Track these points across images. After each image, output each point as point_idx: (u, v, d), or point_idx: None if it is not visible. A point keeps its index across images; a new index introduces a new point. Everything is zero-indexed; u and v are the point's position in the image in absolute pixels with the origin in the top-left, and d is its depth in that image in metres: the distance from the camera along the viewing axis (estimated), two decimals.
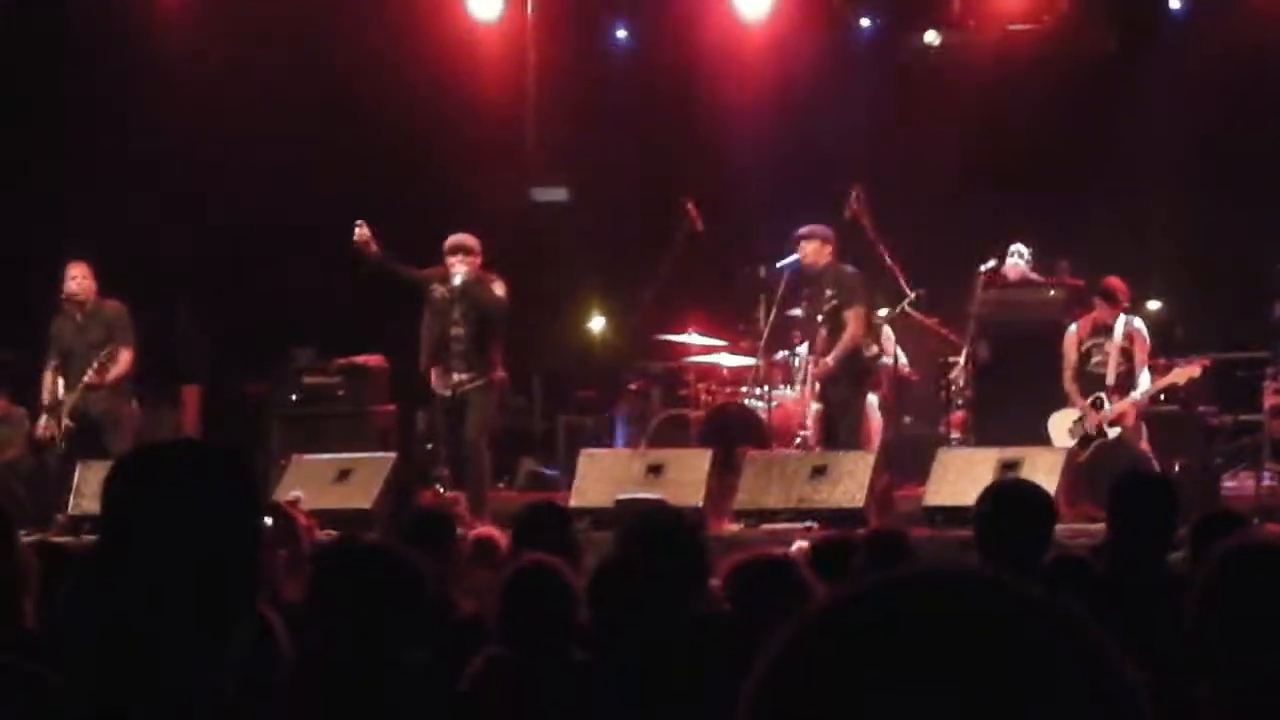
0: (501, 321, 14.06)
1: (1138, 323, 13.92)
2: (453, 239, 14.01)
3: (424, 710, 4.73)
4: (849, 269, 14.30)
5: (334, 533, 12.28)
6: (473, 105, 18.11)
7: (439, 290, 13.96)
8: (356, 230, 14.00)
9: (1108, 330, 13.81)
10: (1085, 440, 13.63)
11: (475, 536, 8.36)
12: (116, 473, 2.55)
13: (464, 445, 13.90)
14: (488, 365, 14.01)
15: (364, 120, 17.51)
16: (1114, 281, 13.96)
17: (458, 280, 13.86)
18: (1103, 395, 13.73)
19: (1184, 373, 13.83)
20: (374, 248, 14.02)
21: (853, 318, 14.10)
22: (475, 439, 13.91)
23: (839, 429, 14.12)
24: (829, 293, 14.10)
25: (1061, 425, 13.85)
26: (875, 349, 14.50)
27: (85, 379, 14.27)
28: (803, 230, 14.24)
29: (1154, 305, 16.73)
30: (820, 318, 14.16)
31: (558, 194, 18.85)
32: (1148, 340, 13.88)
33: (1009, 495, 5.99)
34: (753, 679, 1.30)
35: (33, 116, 17.17)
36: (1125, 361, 13.77)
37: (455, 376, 13.94)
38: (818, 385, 14.24)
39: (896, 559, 6.02)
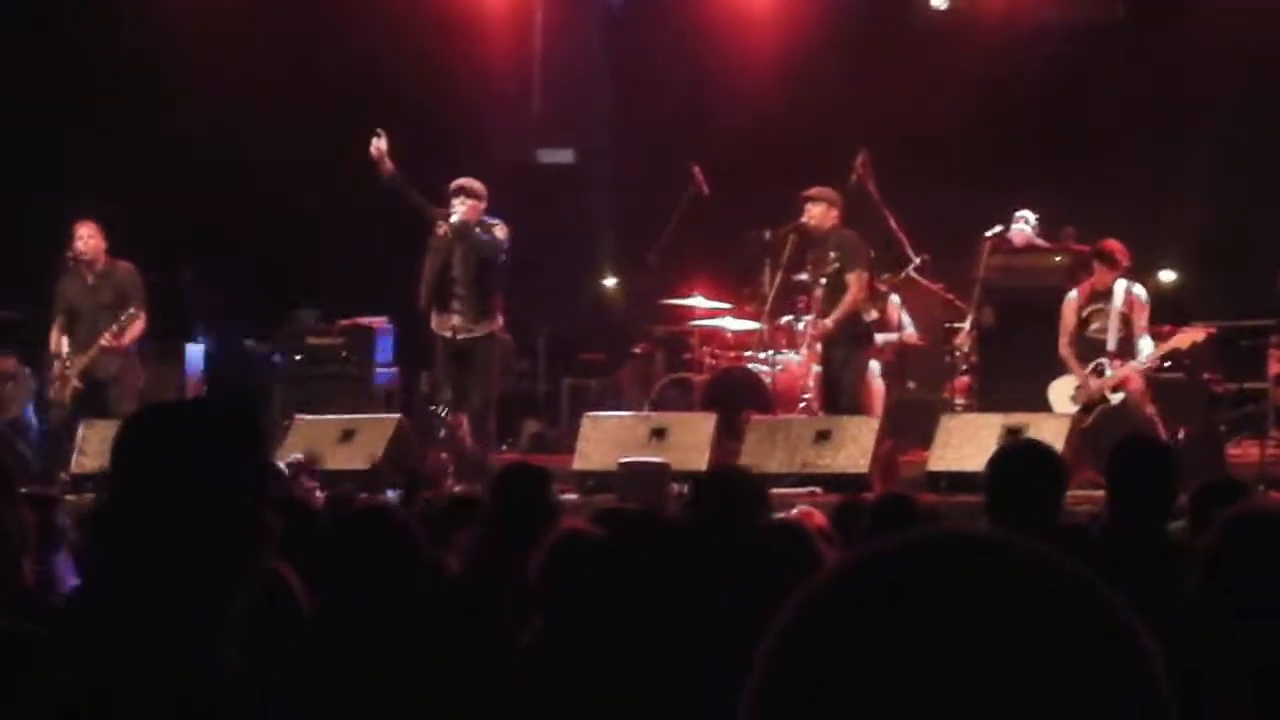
0: (501, 265, 14.04)
1: (1137, 288, 13.86)
2: (458, 180, 14.03)
3: (429, 672, 4.72)
4: (852, 233, 14.27)
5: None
6: (479, 66, 18.08)
7: (441, 228, 13.97)
8: (374, 141, 13.99)
9: (1107, 295, 13.76)
10: (1088, 407, 13.60)
11: (455, 494, 8.33)
12: (125, 431, 2.54)
13: (467, 406, 13.90)
14: (489, 312, 14.01)
15: (371, 80, 17.46)
16: (1112, 244, 13.91)
17: (455, 218, 13.85)
18: (1104, 361, 13.69)
19: (1187, 336, 13.78)
20: (388, 164, 14.02)
21: (854, 281, 14.08)
22: (481, 405, 13.91)
23: (838, 392, 14.11)
24: (832, 255, 14.08)
25: (1062, 393, 13.82)
26: (875, 314, 14.45)
27: (103, 342, 14.24)
28: (810, 191, 14.21)
29: (1167, 275, 16.71)
30: (823, 280, 14.15)
31: (564, 156, 18.82)
32: (1147, 305, 13.83)
33: (1021, 457, 5.90)
34: (763, 647, 1.29)
35: (33, 72, 17.14)
36: (1125, 327, 13.72)
37: (455, 319, 13.95)
38: (819, 347, 14.23)
39: (905, 523, 5.99)
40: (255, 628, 2.50)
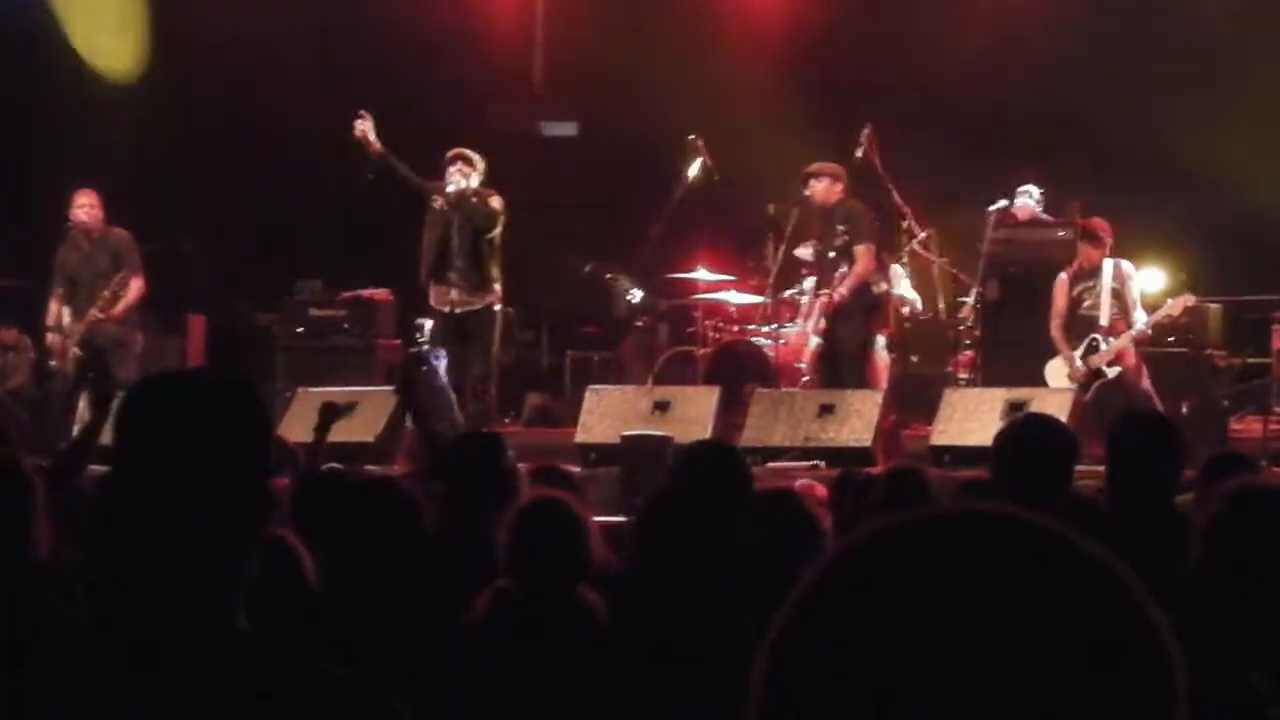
0: (498, 237, 14.04)
1: (1125, 264, 13.88)
2: (456, 149, 14.02)
3: (427, 640, 4.72)
4: (859, 205, 14.26)
5: (338, 466, 12.33)
6: (482, 39, 18.04)
7: (438, 201, 13.99)
8: (356, 123, 13.95)
9: (1096, 272, 13.78)
10: (1085, 385, 13.60)
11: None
12: (129, 401, 2.53)
13: (467, 378, 13.90)
14: (486, 284, 14.01)
15: (373, 53, 17.43)
16: (1097, 222, 13.95)
17: (452, 188, 13.83)
18: (1097, 336, 13.69)
19: (1177, 304, 13.77)
20: (375, 144, 13.99)
21: (863, 253, 14.08)
22: (481, 377, 13.91)
23: (844, 365, 14.09)
24: (840, 228, 14.07)
25: (1059, 372, 13.83)
26: (884, 285, 14.44)
27: (95, 311, 14.24)
28: (812, 168, 14.20)
29: (1172, 250, 16.71)
30: (831, 254, 14.13)
31: (567, 128, 18.79)
32: (1137, 281, 13.86)
33: (1030, 431, 5.85)
34: (780, 616, 1.30)
35: (34, 40, 17.11)
36: (1117, 302, 13.73)
37: (453, 293, 13.94)
38: (822, 321, 14.21)
39: (916, 497, 5.98)
40: (262, 597, 2.49)
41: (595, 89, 17.82)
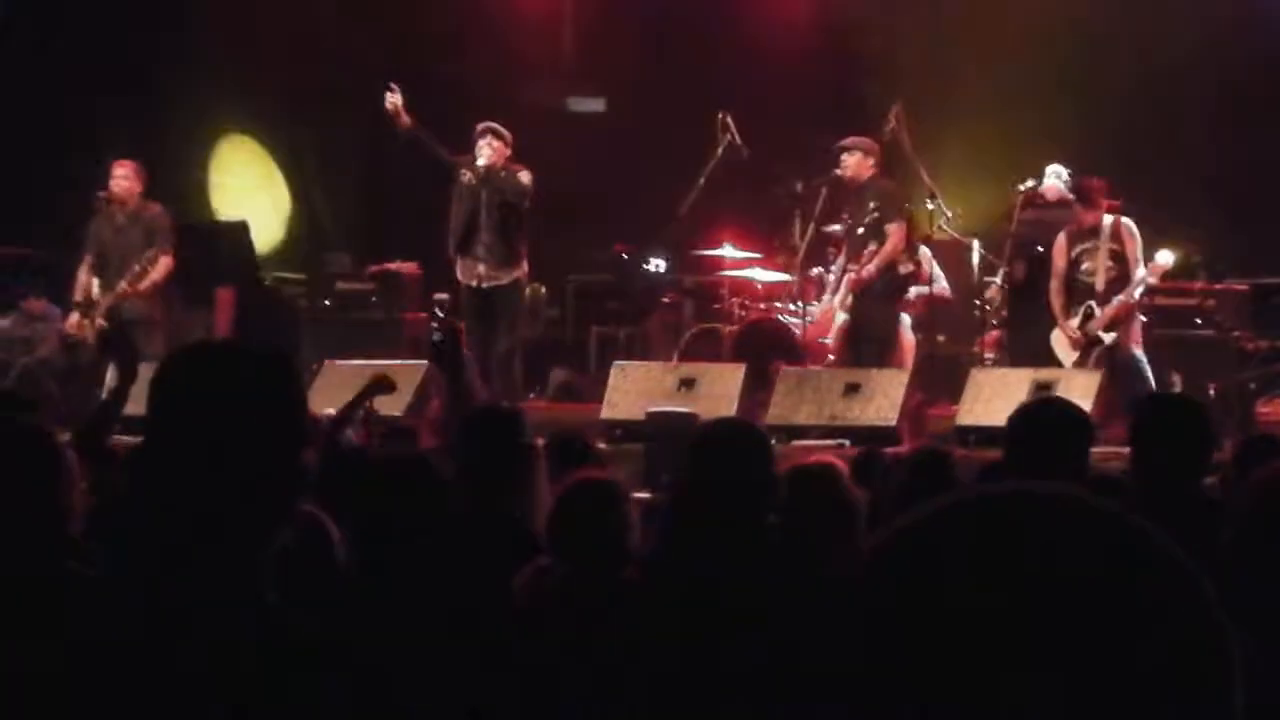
0: (526, 211, 14.06)
1: (1126, 222, 13.76)
2: (485, 123, 14.05)
3: (452, 617, 4.73)
4: (891, 183, 14.25)
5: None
6: (510, 14, 18.03)
7: (467, 175, 14.00)
8: (387, 96, 13.96)
9: (1095, 233, 13.71)
10: (1086, 351, 13.57)
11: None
12: (163, 372, 2.54)
13: (492, 354, 13.92)
14: (513, 259, 14.04)
15: (401, 28, 17.43)
16: (1091, 182, 13.88)
17: (481, 161, 13.84)
18: (1093, 304, 13.64)
19: (1157, 267, 13.69)
20: (405, 118, 14.00)
21: (893, 231, 14.06)
22: (506, 352, 13.93)
23: (869, 344, 14.08)
24: (871, 205, 14.04)
25: (1060, 341, 13.81)
26: (911, 265, 14.41)
27: (123, 285, 14.26)
28: (845, 142, 14.18)
29: (1195, 230, 16.65)
30: (861, 230, 14.11)
31: (595, 104, 18.77)
32: (1138, 238, 13.73)
33: (1044, 413, 5.82)
34: (856, 587, 1.31)
35: (63, 18, 17.13)
36: (1117, 264, 13.65)
37: (480, 268, 13.95)
38: (850, 297, 14.19)
39: (939, 478, 5.96)
40: (291, 571, 2.50)
41: (623, 65, 17.81)
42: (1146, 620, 1.26)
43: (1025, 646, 1.24)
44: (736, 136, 15.32)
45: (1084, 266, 13.72)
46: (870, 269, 14.03)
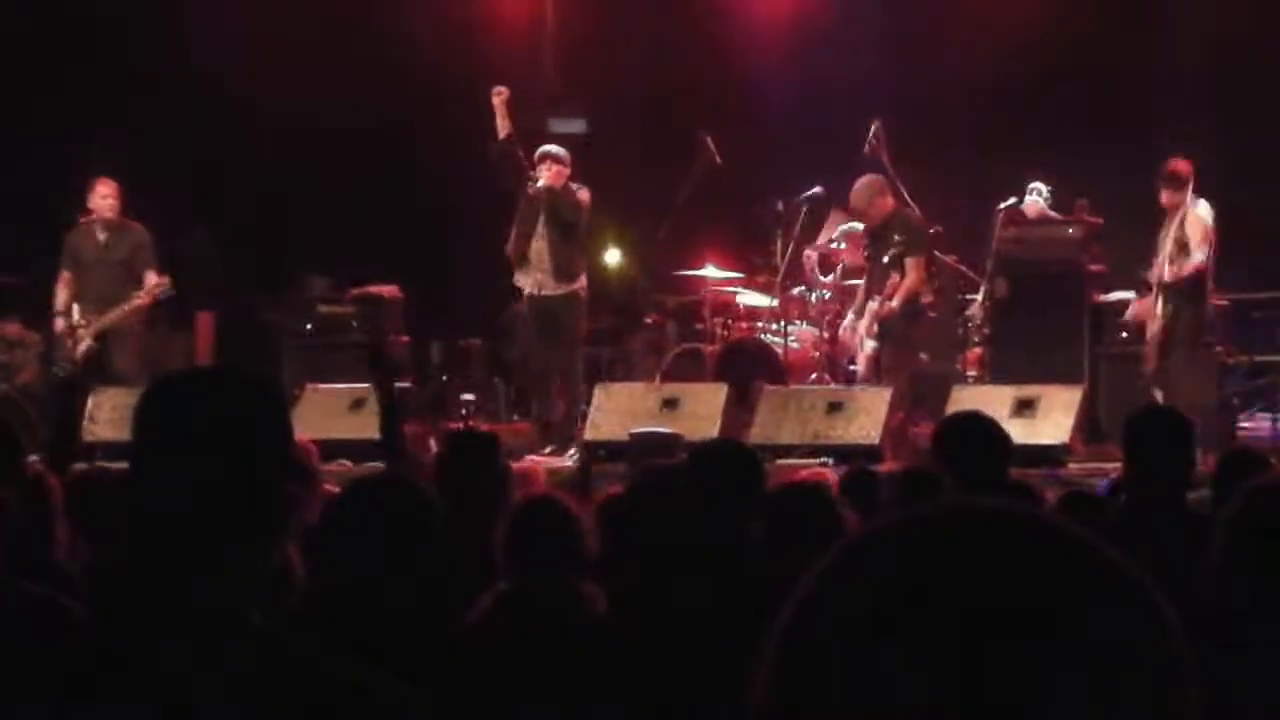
0: (584, 230, 14.29)
1: (1196, 207, 13.37)
2: (543, 148, 14.28)
3: (432, 644, 4.71)
4: (915, 215, 14.28)
5: (346, 463, 12.34)
6: (491, 34, 18.03)
7: (531, 189, 14.14)
8: (496, 92, 14.10)
9: (1171, 218, 13.48)
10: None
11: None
12: (149, 398, 2.52)
13: (553, 367, 14.12)
14: (572, 273, 14.20)
15: (382, 48, 17.44)
16: (1173, 163, 13.57)
17: (542, 183, 14.04)
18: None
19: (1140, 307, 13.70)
20: (506, 124, 14.16)
21: (913, 265, 14.07)
22: (568, 366, 14.04)
23: (888, 372, 14.08)
24: (896, 238, 14.05)
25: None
26: (930, 297, 14.42)
27: (124, 309, 14.25)
28: (855, 198, 14.15)
29: None
30: (885, 260, 14.12)
31: (575, 125, 18.78)
32: (1202, 223, 13.31)
33: (967, 426, 5.99)
34: (785, 611, 1.29)
35: (43, 36, 17.11)
36: (1180, 250, 13.35)
37: (537, 275, 14.16)
38: (876, 326, 14.19)
39: (928, 497, 5.98)
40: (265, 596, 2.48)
41: (604, 86, 17.82)
42: (1097, 639, 1.23)
43: (969, 669, 1.21)
44: (716, 156, 15.33)
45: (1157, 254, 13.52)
46: (895, 304, 14.02)
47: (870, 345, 14.24)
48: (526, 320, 14.49)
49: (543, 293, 14.18)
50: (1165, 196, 13.48)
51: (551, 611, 4.94)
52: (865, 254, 14.46)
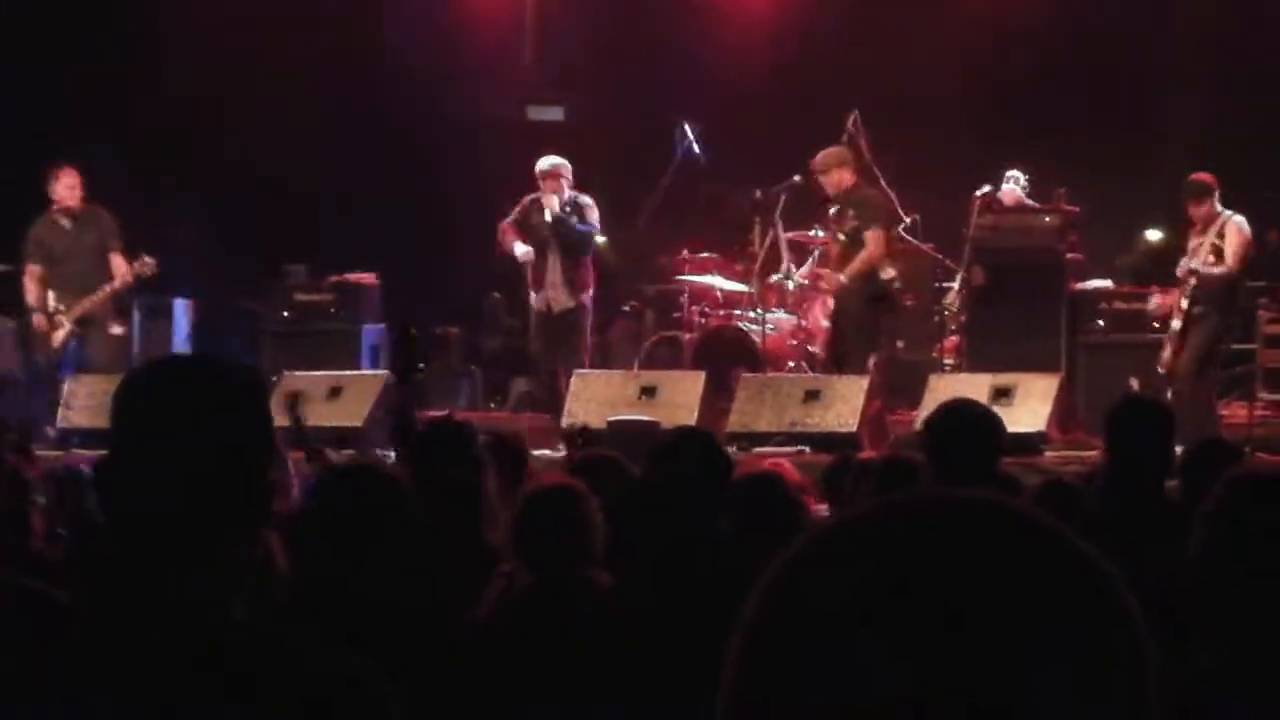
0: (593, 240, 14.40)
1: (1233, 219, 13.27)
2: (543, 164, 14.28)
3: (428, 633, 4.71)
4: (875, 191, 14.24)
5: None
6: (470, 22, 18.01)
7: (535, 218, 14.12)
8: (521, 251, 14.17)
9: (1202, 229, 13.40)
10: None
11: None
12: (128, 386, 2.52)
13: (563, 373, 14.15)
14: (581, 284, 14.28)
15: (360, 36, 17.41)
16: (1198, 176, 13.56)
17: (548, 217, 14.08)
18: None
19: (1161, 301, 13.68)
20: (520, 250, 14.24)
21: (871, 239, 13.95)
22: (578, 364, 14.13)
23: (849, 350, 14.05)
24: (852, 213, 13.99)
25: None
26: (892, 272, 14.31)
27: (100, 294, 14.24)
28: (817, 164, 14.04)
29: (1154, 235, 16.72)
30: (841, 237, 14.05)
31: (554, 113, 18.77)
32: (1239, 235, 13.17)
33: (957, 417, 5.88)
34: (752, 601, 1.29)
35: (29, 27, 17.07)
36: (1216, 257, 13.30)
37: (550, 293, 14.23)
38: (830, 302, 14.17)
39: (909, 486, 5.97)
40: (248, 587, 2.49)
41: (582, 74, 17.82)
42: (1070, 631, 1.24)
43: (934, 657, 1.22)
44: (695, 144, 15.33)
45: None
46: (839, 278, 13.95)
47: (826, 324, 14.22)
48: (536, 331, 14.56)
49: (554, 310, 14.30)
50: (1192, 208, 13.32)
51: (561, 598, 4.94)
52: (828, 232, 14.37)
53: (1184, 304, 13.23)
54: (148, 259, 14.37)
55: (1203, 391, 13.13)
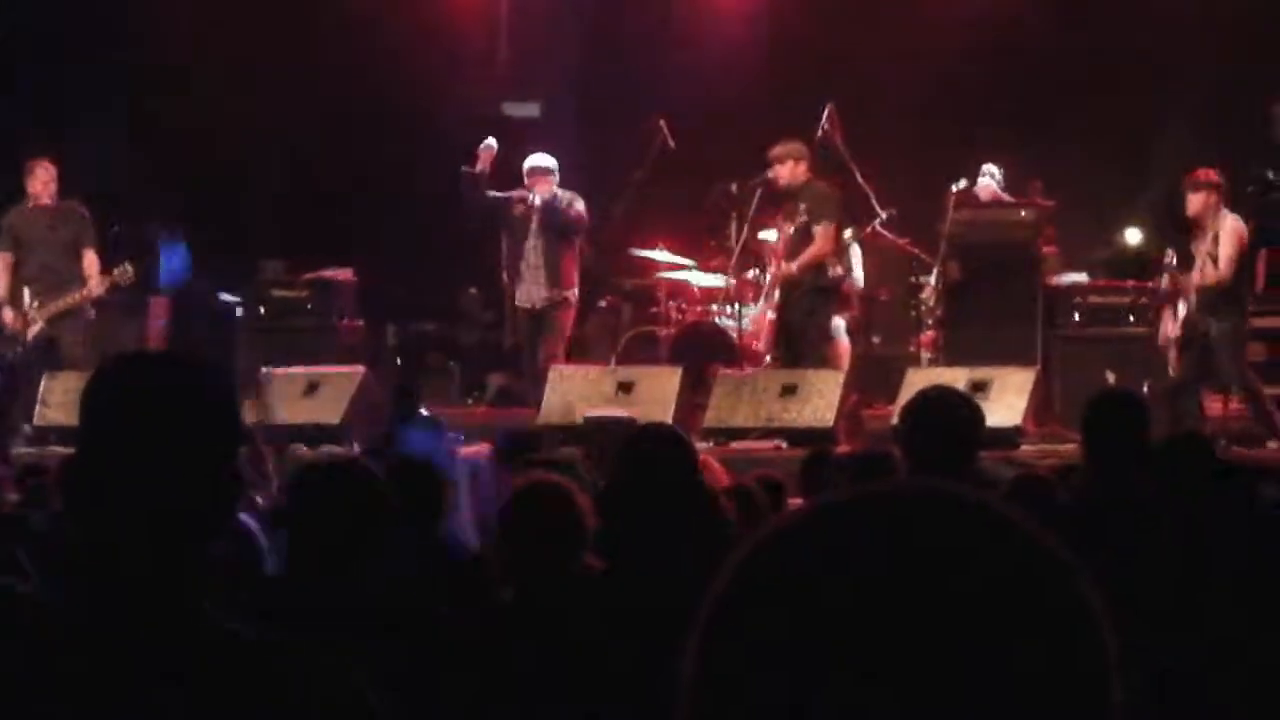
0: (578, 237, 14.38)
1: (1226, 221, 13.19)
2: (531, 161, 14.28)
3: (403, 629, 4.71)
4: (825, 185, 14.26)
5: (302, 448, 12.33)
6: (445, 18, 18.00)
7: (519, 208, 14.10)
8: (483, 152, 14.04)
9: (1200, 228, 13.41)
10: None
11: None
12: (96, 382, 2.52)
13: (538, 365, 14.09)
14: (564, 281, 14.24)
15: (335, 31, 17.38)
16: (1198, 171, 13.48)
17: (538, 200, 14.05)
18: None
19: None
20: (486, 172, 14.13)
21: (820, 233, 14.04)
22: (545, 362, 14.03)
23: (800, 345, 14.10)
24: (802, 207, 14.05)
25: None
26: (840, 269, 14.41)
27: (77, 295, 14.20)
28: (774, 152, 14.15)
29: (1134, 235, 16.77)
30: (791, 231, 14.11)
31: (530, 109, 18.76)
32: (1232, 235, 13.10)
33: (931, 405, 5.81)
34: (710, 593, 1.29)
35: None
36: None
37: (535, 291, 14.15)
38: (776, 295, 14.18)
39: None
40: (220, 580, 2.49)
41: (558, 70, 17.81)
42: (1020, 618, 1.23)
43: (892, 648, 1.22)
44: (670, 139, 15.33)
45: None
46: (791, 267, 14.01)
47: (772, 317, 14.21)
48: (515, 325, 14.52)
49: (535, 306, 14.27)
50: (1191, 204, 13.29)
51: (550, 592, 4.94)
52: (777, 229, 14.37)
53: (1180, 311, 13.23)
54: (128, 267, 14.31)
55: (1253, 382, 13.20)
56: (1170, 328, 13.35)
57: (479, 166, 14.17)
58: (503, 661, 4.83)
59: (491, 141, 14.26)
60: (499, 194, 14.26)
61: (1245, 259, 13.35)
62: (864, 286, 15.30)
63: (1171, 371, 13.27)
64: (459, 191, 14.28)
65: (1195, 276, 13.16)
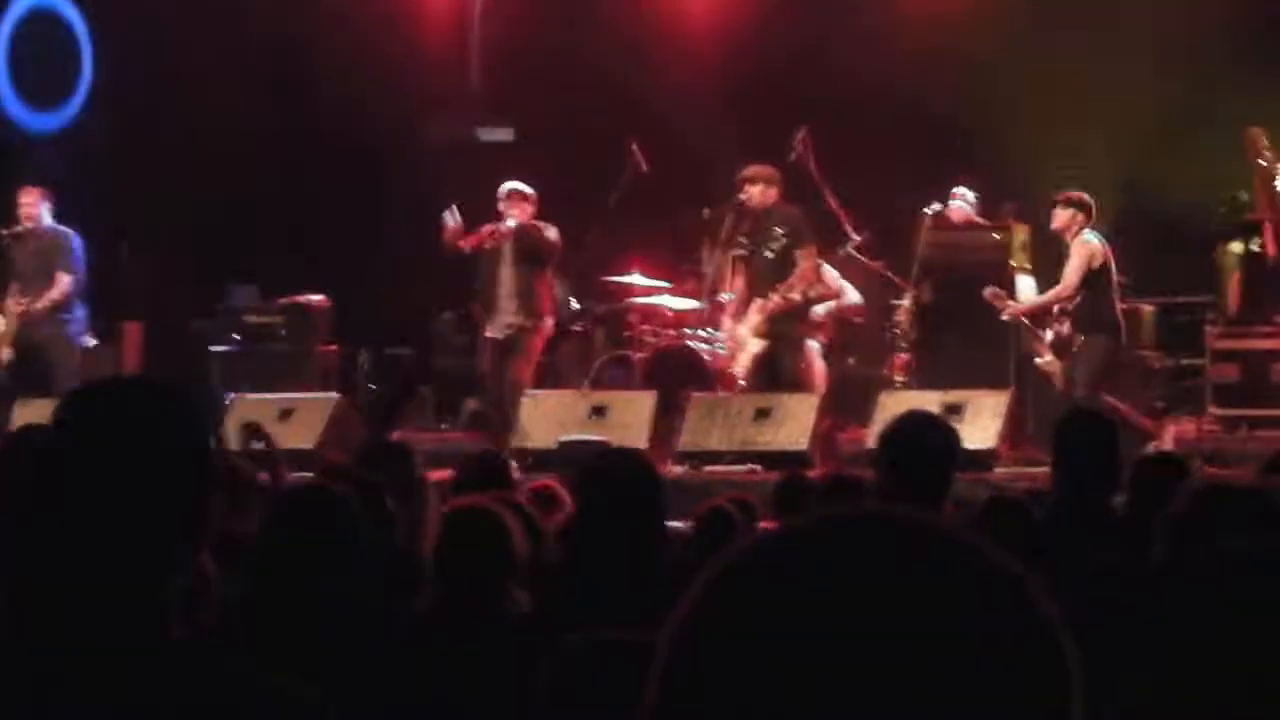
0: (551, 265, 14.36)
1: (1078, 241, 13.65)
2: (506, 186, 14.27)
3: (363, 651, 4.70)
4: (797, 209, 14.26)
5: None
6: (417, 43, 18.01)
7: (491, 241, 14.08)
8: (448, 220, 14.02)
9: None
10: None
11: (533, 487, 8.02)
12: (66, 408, 2.51)
13: (505, 389, 14.06)
14: (537, 310, 14.22)
15: (308, 56, 17.38)
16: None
17: (511, 224, 13.98)
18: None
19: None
20: (462, 241, 14.12)
21: (804, 257, 14.01)
22: (512, 389, 14.00)
23: (784, 369, 14.08)
24: (778, 231, 14.01)
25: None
26: (814, 293, 14.38)
27: (12, 304, 14.25)
28: (746, 172, 14.16)
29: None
30: (769, 255, 14.07)
31: (503, 134, 18.77)
32: (1076, 254, 13.58)
33: (909, 430, 5.78)
34: (673, 617, 1.29)
35: None
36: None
37: (506, 319, 14.06)
38: (765, 323, 14.16)
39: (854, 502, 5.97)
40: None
41: (531, 95, 17.82)
42: (978, 643, 1.24)
43: (846, 674, 1.22)
44: (643, 163, 15.34)
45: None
46: (795, 295, 13.95)
47: (756, 344, 14.17)
48: (488, 356, 14.44)
49: (505, 336, 14.22)
50: (1055, 219, 13.74)
51: (480, 617, 4.94)
52: (745, 250, 14.32)
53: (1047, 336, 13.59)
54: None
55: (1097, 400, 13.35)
56: (1044, 350, 13.67)
57: (446, 237, 14.19)
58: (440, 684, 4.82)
59: (448, 216, 14.20)
60: (474, 243, 14.24)
61: (1093, 278, 13.53)
62: (861, 302, 15.28)
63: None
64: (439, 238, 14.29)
65: (1049, 294, 13.74)
